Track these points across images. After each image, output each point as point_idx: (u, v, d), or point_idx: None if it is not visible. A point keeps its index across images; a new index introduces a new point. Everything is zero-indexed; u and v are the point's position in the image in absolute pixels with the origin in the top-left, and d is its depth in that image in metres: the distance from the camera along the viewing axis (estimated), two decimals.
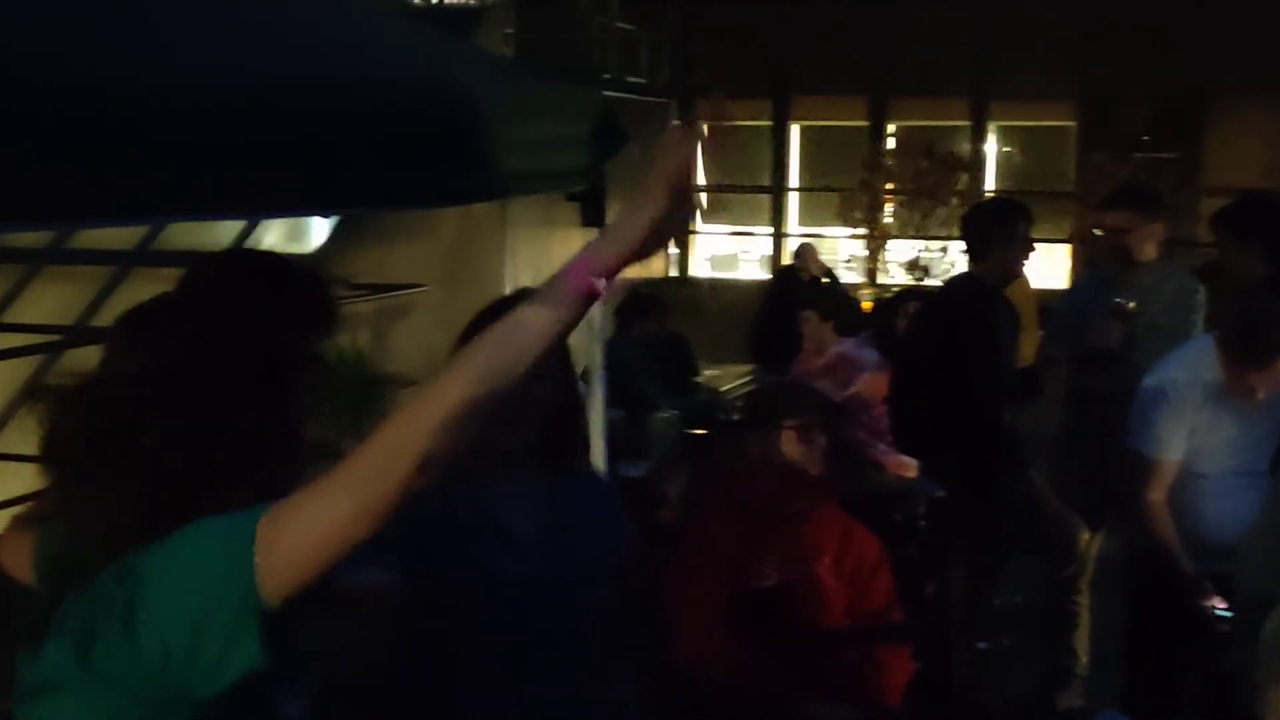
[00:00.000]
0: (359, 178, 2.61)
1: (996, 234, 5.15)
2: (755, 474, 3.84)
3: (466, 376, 1.55)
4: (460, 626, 2.52)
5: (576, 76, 12.57)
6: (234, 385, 1.68)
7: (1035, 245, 5.30)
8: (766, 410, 3.95)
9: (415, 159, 2.75)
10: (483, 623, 2.53)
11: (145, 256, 8.22)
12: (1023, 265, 5.32)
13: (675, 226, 1.65)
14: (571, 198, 3.32)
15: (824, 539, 3.84)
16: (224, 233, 9.36)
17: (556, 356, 2.62)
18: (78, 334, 6.99)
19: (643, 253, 1.63)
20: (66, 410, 1.65)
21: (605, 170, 3.35)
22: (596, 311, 3.43)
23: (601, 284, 1.59)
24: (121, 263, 8.29)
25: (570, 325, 1.61)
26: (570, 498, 2.68)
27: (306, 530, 1.52)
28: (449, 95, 2.85)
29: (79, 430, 1.63)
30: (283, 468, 1.69)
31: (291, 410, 1.74)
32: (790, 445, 3.81)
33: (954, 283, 5.90)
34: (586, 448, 2.83)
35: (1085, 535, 5.34)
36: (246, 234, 9.43)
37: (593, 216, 3.33)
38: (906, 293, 7.30)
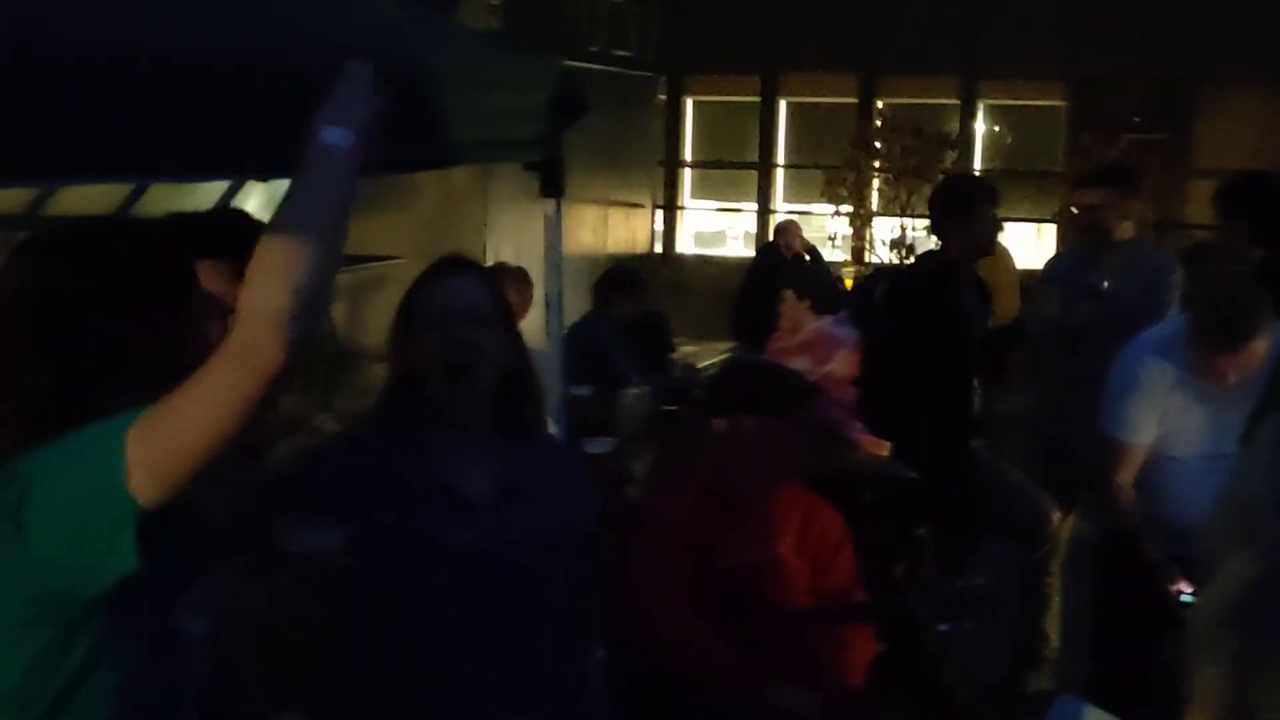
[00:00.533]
0: (289, 143, 2.57)
1: (960, 211, 5.09)
2: (717, 454, 3.78)
3: (284, 240, 1.63)
4: (406, 593, 2.48)
5: (562, 49, 12.49)
6: (113, 297, 1.73)
7: (1002, 223, 5.25)
8: (728, 390, 3.90)
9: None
10: (430, 590, 2.49)
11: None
12: (991, 242, 5.26)
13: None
14: (530, 167, 3.26)
15: (787, 518, 3.80)
16: (205, 199, 9.30)
17: (504, 320, 2.59)
18: None
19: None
20: None
21: (564, 140, 3.28)
22: (555, 285, 3.38)
23: (349, 137, 1.84)
24: None
25: (350, 182, 1.79)
26: (527, 466, 2.63)
27: (175, 430, 1.54)
28: (404, 62, 2.80)
29: None
30: (170, 379, 1.68)
31: (178, 323, 1.79)
32: (751, 425, 3.75)
33: (921, 261, 5.86)
34: (541, 417, 2.78)
35: (1056, 517, 5.30)
36: (227, 200, 9.36)
37: (551, 187, 3.27)
38: (881, 271, 7.26)
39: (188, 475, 1.56)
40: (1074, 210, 5.62)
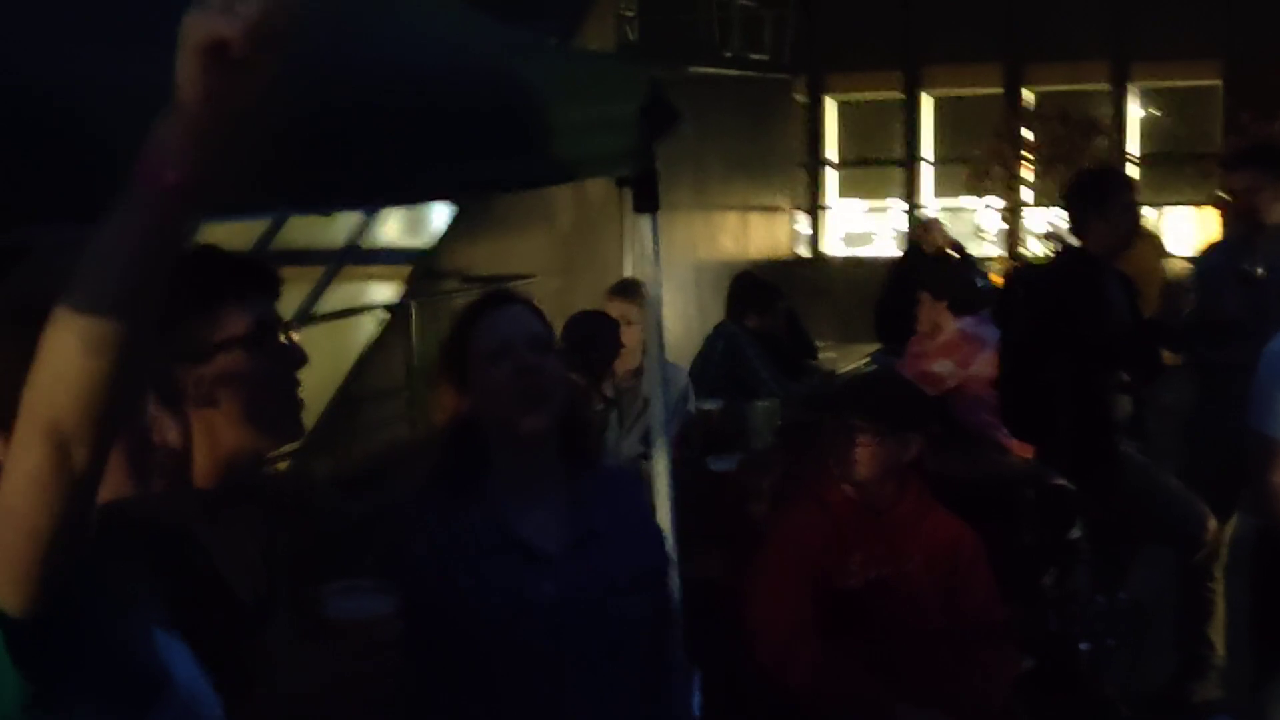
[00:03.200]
0: (413, 170, 2.56)
1: (1094, 204, 4.90)
2: (839, 469, 3.64)
3: (65, 320, 1.29)
4: (492, 651, 2.38)
5: (695, 56, 12.42)
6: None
7: (1141, 211, 5.04)
8: (843, 403, 3.75)
9: (463, 149, 2.65)
10: (516, 646, 2.38)
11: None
12: (1130, 234, 5.05)
13: (215, 67, 1.25)
14: (621, 183, 3.16)
15: (915, 534, 3.64)
16: (340, 228, 9.44)
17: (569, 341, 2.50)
18: None
19: (207, 114, 1.27)
20: None
21: (657, 152, 3.18)
22: (657, 303, 3.27)
23: (174, 167, 1.27)
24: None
25: (161, 228, 1.29)
26: (595, 503, 2.51)
27: (1, 523, 1.35)
28: (482, 81, 2.75)
29: None
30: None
31: None
32: (866, 440, 3.60)
33: (1060, 256, 5.65)
34: (598, 446, 2.67)
35: (1213, 524, 5.05)
36: (362, 229, 9.49)
37: (645, 201, 3.16)
38: (1024, 267, 7.01)
39: (33, 575, 1.37)
40: (1223, 195, 5.36)
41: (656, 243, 3.24)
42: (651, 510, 2.76)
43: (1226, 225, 11.70)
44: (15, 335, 1.54)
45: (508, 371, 2.40)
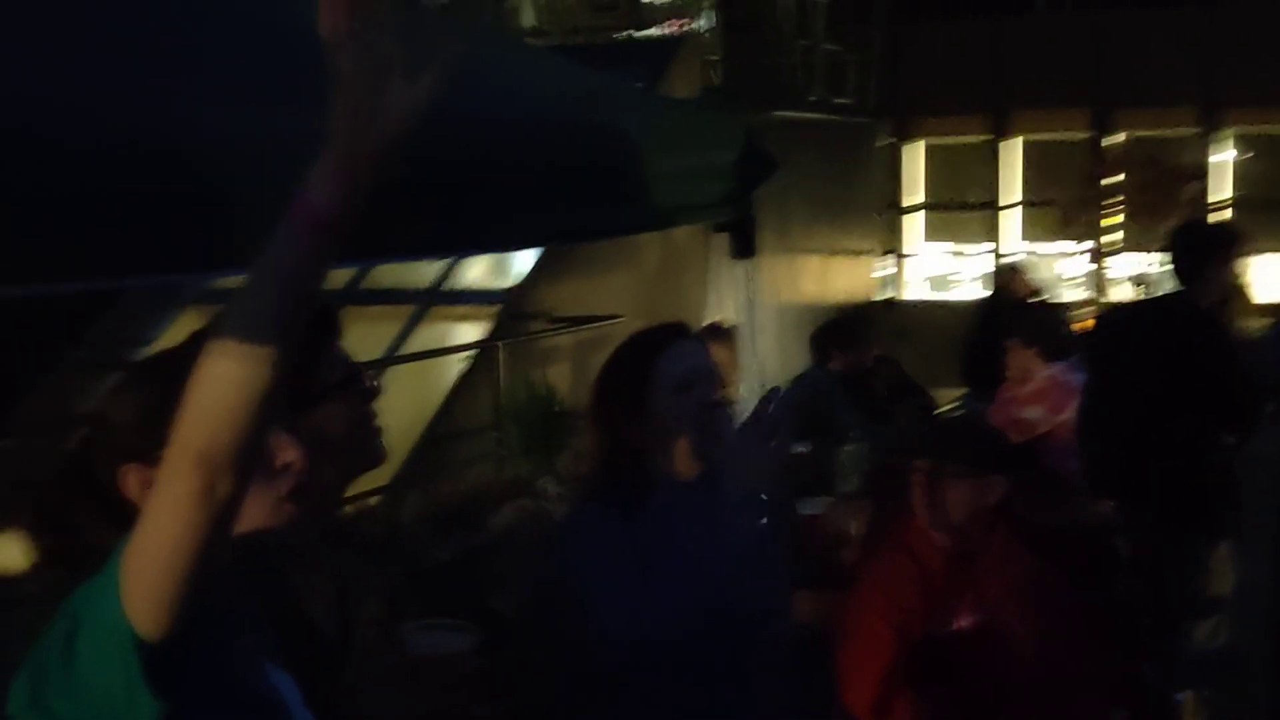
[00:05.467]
0: (516, 219, 2.61)
1: (1206, 258, 4.85)
2: (928, 515, 3.63)
3: (221, 348, 1.36)
4: (666, 669, 2.45)
5: (779, 100, 12.45)
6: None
7: (1243, 269, 4.99)
8: (925, 448, 3.74)
9: (565, 198, 2.70)
10: (688, 663, 2.47)
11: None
12: (1233, 287, 5.00)
13: (365, 92, 1.31)
14: (719, 229, 3.19)
15: (1006, 581, 3.61)
16: (426, 270, 9.55)
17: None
18: None
19: (360, 146, 1.33)
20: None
21: (754, 199, 3.21)
22: (748, 345, 3.29)
23: (325, 202, 1.34)
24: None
25: (312, 258, 1.36)
26: (736, 527, 2.59)
27: (142, 552, 1.43)
28: (594, 133, 2.80)
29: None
30: None
31: None
32: (954, 486, 3.59)
33: (1168, 303, 5.55)
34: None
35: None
36: (448, 271, 9.58)
37: (742, 248, 3.20)
38: (1112, 312, 6.93)
39: (173, 600, 1.42)
40: None
41: (753, 288, 3.26)
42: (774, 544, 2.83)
43: None
44: (152, 377, 1.62)
45: (695, 403, 2.49)
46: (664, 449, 2.51)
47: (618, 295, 9.76)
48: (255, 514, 1.66)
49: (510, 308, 9.31)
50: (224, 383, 1.35)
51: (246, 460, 1.39)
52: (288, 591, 2.04)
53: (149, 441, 1.53)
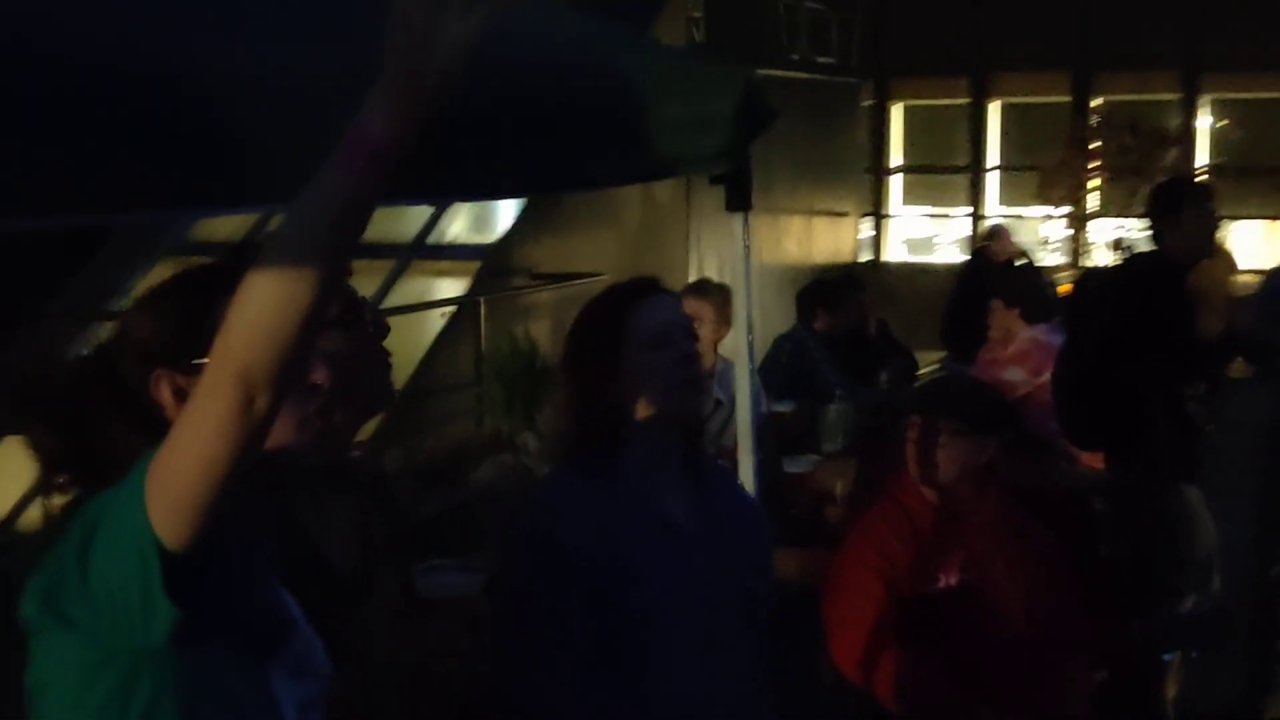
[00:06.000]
0: (522, 165, 2.57)
1: (1176, 213, 4.86)
2: (915, 471, 3.63)
3: (269, 269, 1.39)
4: (654, 625, 2.43)
5: (762, 58, 12.39)
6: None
7: (1220, 224, 4.99)
8: (924, 405, 3.73)
9: (562, 145, 2.67)
10: (674, 619, 2.45)
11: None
12: (1209, 245, 5.01)
13: (422, 22, 1.33)
14: (715, 181, 3.16)
15: (996, 540, 3.61)
16: (410, 223, 9.49)
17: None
18: None
19: (417, 76, 1.35)
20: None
21: (754, 150, 3.18)
22: (744, 301, 3.27)
23: (381, 130, 1.37)
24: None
25: (365, 186, 1.39)
26: (715, 487, 2.61)
27: (173, 463, 1.45)
28: (587, 78, 2.76)
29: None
30: None
31: None
32: (946, 441, 3.59)
33: (1135, 260, 5.59)
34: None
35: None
36: (431, 225, 9.52)
37: (738, 200, 3.17)
38: (1093, 273, 6.93)
39: (201, 511, 1.45)
40: None
41: (748, 242, 3.24)
42: (753, 499, 2.82)
43: None
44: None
45: (670, 359, 2.45)
46: (640, 405, 2.47)
47: (599, 252, 9.73)
48: (280, 432, 1.66)
49: (491, 263, 9.27)
50: (270, 303, 1.37)
51: (286, 379, 1.41)
52: (301, 525, 2.04)
53: (184, 349, 1.57)
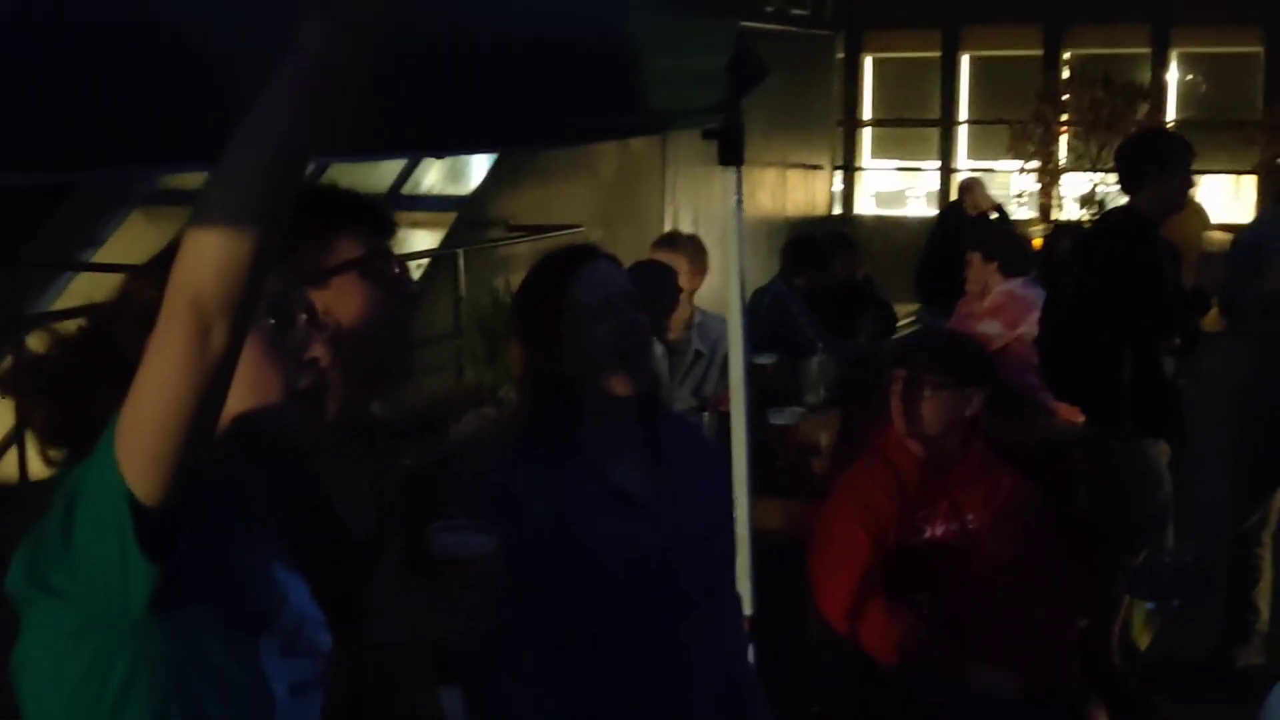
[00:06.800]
0: (490, 117, 2.54)
1: (1153, 166, 4.84)
2: (902, 426, 3.66)
3: (216, 199, 1.40)
4: (611, 596, 2.40)
5: (737, 10, 12.36)
6: None
7: (1196, 179, 4.98)
8: (909, 358, 3.76)
9: (548, 96, 2.66)
10: (631, 590, 2.41)
11: None
12: (1183, 200, 5.01)
13: None
14: (708, 135, 3.16)
15: (980, 492, 3.66)
16: (385, 174, 9.45)
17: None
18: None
19: None
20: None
21: (742, 106, 3.18)
22: (735, 254, 3.29)
23: (319, 48, 1.39)
24: None
25: (304, 110, 1.40)
26: (671, 448, 2.54)
27: (139, 406, 1.44)
28: (581, 30, 2.74)
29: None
30: None
31: None
32: (931, 394, 3.62)
33: (1110, 215, 5.60)
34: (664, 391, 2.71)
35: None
36: (406, 175, 9.48)
37: (731, 154, 3.17)
38: (1064, 227, 6.95)
39: (169, 459, 1.43)
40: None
41: (740, 196, 3.24)
42: (716, 456, 2.80)
43: (1275, 194, 11.68)
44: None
45: (610, 330, 2.38)
46: (589, 377, 2.41)
47: (575, 204, 9.72)
48: (265, 394, 1.65)
49: (467, 215, 9.24)
50: (218, 231, 1.38)
51: (240, 312, 1.40)
52: (312, 485, 2.03)
53: None
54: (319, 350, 1.70)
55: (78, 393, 1.63)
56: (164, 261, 1.72)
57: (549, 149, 7.67)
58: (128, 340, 1.63)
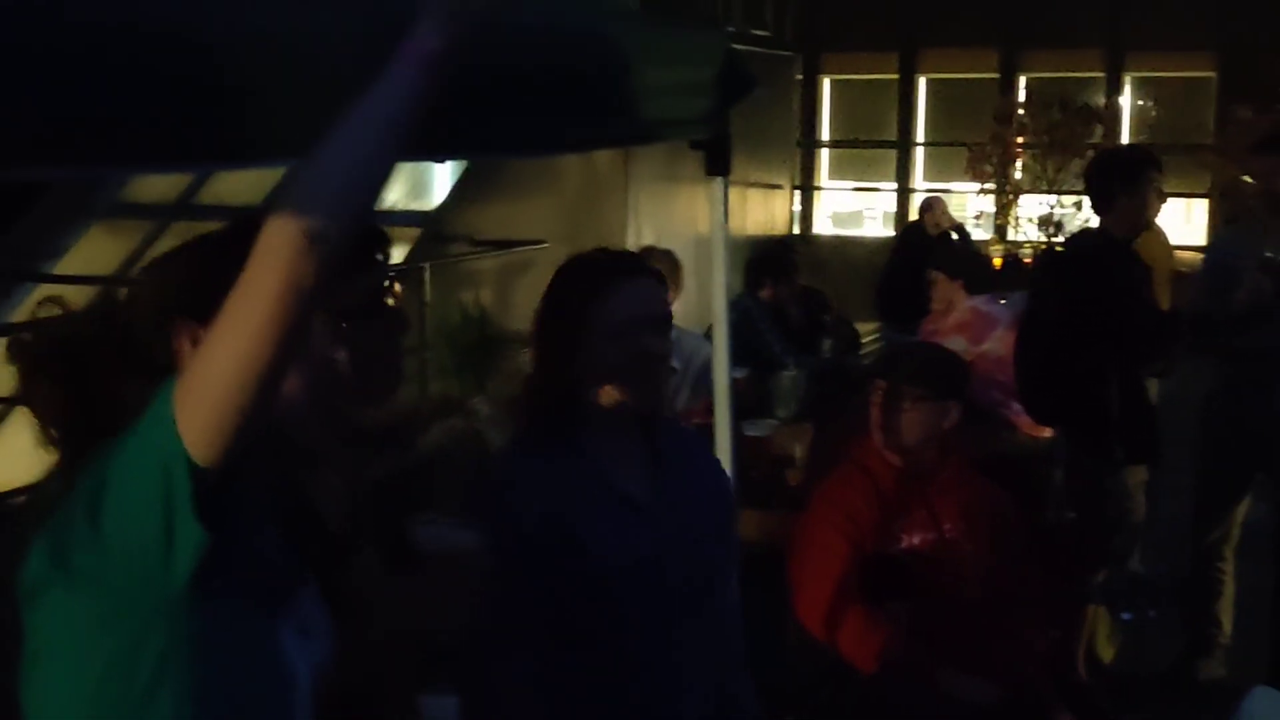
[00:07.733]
0: (485, 125, 2.55)
1: (1121, 183, 4.88)
2: (879, 437, 3.70)
3: (321, 165, 1.45)
4: (611, 599, 2.41)
5: (699, 27, 12.42)
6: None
7: (1166, 195, 5.02)
8: (890, 370, 3.80)
9: (541, 106, 2.67)
10: (632, 593, 2.42)
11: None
12: (1152, 216, 5.05)
13: None
14: (695, 146, 3.19)
15: (957, 503, 3.70)
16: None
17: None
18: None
19: None
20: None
21: (730, 118, 3.21)
22: (720, 266, 3.32)
23: (435, 41, 1.46)
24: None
25: (418, 94, 1.46)
26: (672, 455, 2.54)
27: (207, 371, 1.45)
28: (574, 41, 2.77)
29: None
30: None
31: None
32: (911, 406, 3.66)
33: (1081, 237, 5.64)
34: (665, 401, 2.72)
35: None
36: None
37: (717, 165, 3.20)
38: (1051, 251, 7.01)
39: (236, 418, 1.44)
40: (1245, 180, 5.38)
41: (726, 208, 3.28)
42: (717, 463, 2.81)
43: (1229, 215, 11.84)
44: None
45: (626, 352, 2.36)
46: (596, 388, 2.40)
47: (539, 219, 9.72)
48: (291, 384, 1.66)
49: (431, 229, 9.23)
50: (340, 170, 1.43)
51: (336, 261, 1.42)
52: (296, 486, 2.03)
53: (205, 299, 1.53)
54: (339, 353, 1.72)
55: (90, 378, 1.64)
56: (181, 251, 1.74)
57: (537, 158, 7.67)
58: (145, 326, 1.66)
